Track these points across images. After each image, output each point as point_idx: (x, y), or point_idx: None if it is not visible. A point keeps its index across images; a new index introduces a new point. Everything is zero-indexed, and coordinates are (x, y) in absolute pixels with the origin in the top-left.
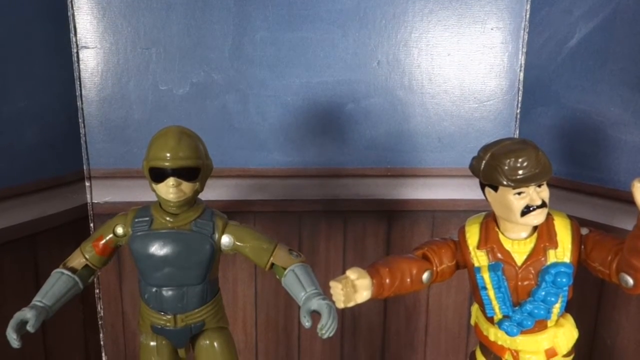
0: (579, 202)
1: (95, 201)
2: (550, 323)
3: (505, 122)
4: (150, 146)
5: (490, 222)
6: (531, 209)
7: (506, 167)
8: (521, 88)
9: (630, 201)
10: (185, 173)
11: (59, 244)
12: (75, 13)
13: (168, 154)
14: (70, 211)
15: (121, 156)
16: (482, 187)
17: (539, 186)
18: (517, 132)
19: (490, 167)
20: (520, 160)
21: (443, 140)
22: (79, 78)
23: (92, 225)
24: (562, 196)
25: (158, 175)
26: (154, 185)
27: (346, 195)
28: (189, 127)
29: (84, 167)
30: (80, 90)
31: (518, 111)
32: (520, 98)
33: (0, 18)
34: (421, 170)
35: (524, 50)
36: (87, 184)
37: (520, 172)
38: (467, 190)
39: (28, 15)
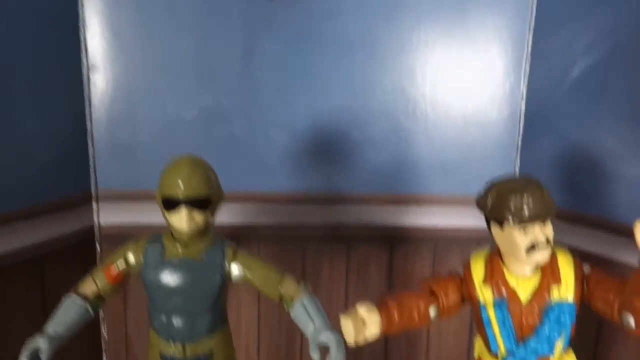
0: (578, 233)
1: (102, 222)
2: (552, 358)
3: (506, 150)
4: (163, 176)
5: (495, 257)
6: (536, 246)
7: (512, 205)
8: (522, 117)
9: (630, 234)
10: (198, 203)
11: (66, 265)
12: (87, 35)
13: (181, 184)
14: (77, 233)
15: (129, 178)
16: (488, 222)
17: (544, 224)
18: (519, 160)
19: (496, 204)
20: (525, 198)
21: (446, 168)
22: (89, 99)
23: (98, 246)
24: (562, 226)
25: (171, 204)
26: (166, 215)
27: (350, 221)
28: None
29: (92, 189)
30: (90, 111)
31: (519, 140)
32: (521, 127)
33: (13, 41)
34: (424, 197)
35: (526, 80)
36: (94, 205)
37: (526, 210)
38: (470, 218)
39: (41, 37)
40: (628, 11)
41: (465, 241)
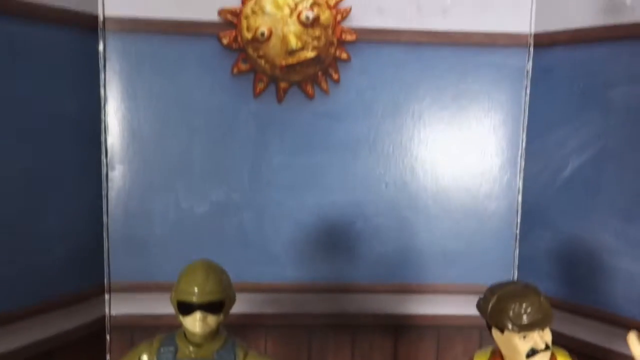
0: (577, 324)
1: (113, 313)
2: None
3: (505, 241)
4: (179, 280)
5: (497, 358)
6: (535, 352)
7: (511, 313)
8: (520, 210)
9: (628, 326)
10: (211, 307)
11: (75, 356)
12: (108, 137)
13: (196, 289)
14: (89, 324)
15: (141, 270)
16: (489, 326)
17: (542, 330)
18: (517, 251)
19: (496, 310)
20: (524, 305)
21: (447, 258)
22: (107, 196)
23: (108, 337)
24: (561, 317)
25: (186, 308)
26: (181, 318)
27: (354, 310)
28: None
29: (105, 281)
30: (107, 206)
31: (517, 232)
32: (519, 220)
33: (40, 142)
34: (427, 287)
35: (521, 175)
36: (106, 296)
37: (525, 317)
38: (471, 307)
39: (64, 139)
40: (615, 116)
41: (467, 329)
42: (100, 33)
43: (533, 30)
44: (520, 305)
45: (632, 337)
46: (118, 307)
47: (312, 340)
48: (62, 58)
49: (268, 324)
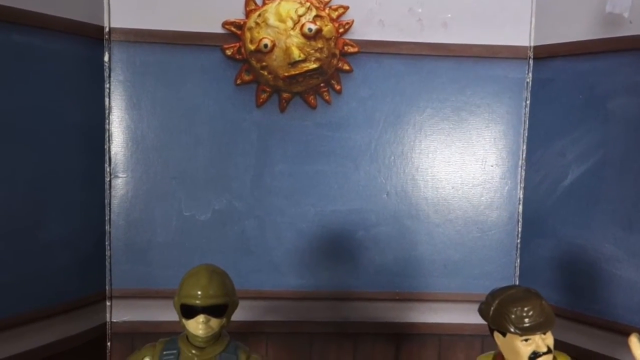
0: (579, 332)
1: (114, 320)
2: None
3: (506, 251)
4: (182, 284)
5: None
6: (537, 355)
7: (513, 316)
8: (521, 220)
9: (629, 334)
10: (215, 310)
11: None
12: (112, 146)
13: (199, 292)
14: (90, 331)
15: (142, 277)
16: (491, 330)
17: (544, 333)
18: (519, 261)
19: (498, 314)
20: (525, 309)
21: (448, 267)
22: (109, 204)
23: (109, 344)
24: (563, 325)
25: (189, 311)
26: (184, 321)
27: (356, 318)
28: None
29: (107, 288)
30: (110, 215)
31: (518, 241)
32: (520, 229)
33: (45, 152)
34: (428, 295)
35: (522, 185)
36: (107, 303)
37: (527, 320)
38: (472, 315)
39: (69, 149)
40: (614, 126)
41: (469, 337)
42: (105, 44)
43: (533, 43)
44: (522, 309)
45: (633, 339)
46: (119, 313)
47: (314, 348)
48: (68, 68)
49: (269, 332)
